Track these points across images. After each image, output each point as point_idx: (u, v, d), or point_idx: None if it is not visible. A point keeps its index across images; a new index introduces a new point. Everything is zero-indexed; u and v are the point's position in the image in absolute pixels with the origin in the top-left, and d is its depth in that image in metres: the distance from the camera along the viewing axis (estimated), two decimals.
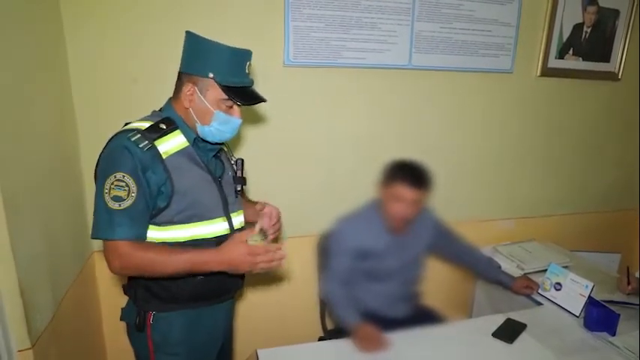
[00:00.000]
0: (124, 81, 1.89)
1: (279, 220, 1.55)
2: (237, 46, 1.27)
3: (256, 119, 2.09)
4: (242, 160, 1.49)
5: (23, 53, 1.43)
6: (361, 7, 2.08)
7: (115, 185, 1.17)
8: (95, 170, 1.27)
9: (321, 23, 2.05)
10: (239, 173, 1.48)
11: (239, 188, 1.45)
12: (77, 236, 1.87)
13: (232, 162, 1.49)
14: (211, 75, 1.24)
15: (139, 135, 1.21)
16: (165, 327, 1.35)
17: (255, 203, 1.60)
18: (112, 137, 1.26)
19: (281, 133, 2.15)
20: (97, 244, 2.01)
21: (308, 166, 2.24)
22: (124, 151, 1.18)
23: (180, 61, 1.31)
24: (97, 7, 1.79)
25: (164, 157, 1.23)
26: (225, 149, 1.52)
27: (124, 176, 1.17)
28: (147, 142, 1.20)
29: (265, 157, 2.15)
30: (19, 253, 1.30)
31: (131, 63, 1.88)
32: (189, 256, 1.22)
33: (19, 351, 1.33)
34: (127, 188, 1.17)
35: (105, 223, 1.19)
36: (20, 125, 1.39)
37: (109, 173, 1.18)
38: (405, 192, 1.71)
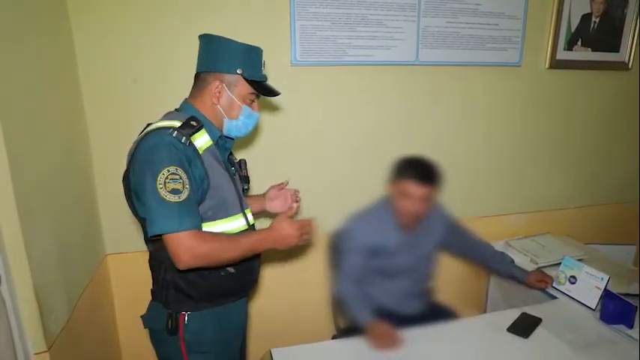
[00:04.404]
0: (131, 81, 1.91)
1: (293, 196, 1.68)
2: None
3: (265, 119, 2.10)
4: (245, 161, 1.56)
5: (34, 54, 1.45)
6: (367, 5, 2.08)
7: (170, 179, 1.17)
8: (127, 172, 1.27)
9: (327, 22, 2.05)
10: (243, 173, 1.53)
11: (246, 187, 1.51)
12: (90, 238, 1.89)
13: (236, 162, 1.52)
14: (239, 71, 1.31)
15: (176, 132, 1.22)
16: (199, 326, 1.36)
17: (257, 195, 1.70)
18: (145, 136, 1.24)
19: (289, 132, 2.16)
20: (111, 246, 2.04)
21: (317, 164, 2.24)
22: (169, 147, 1.19)
23: (197, 62, 1.35)
24: (104, 9, 1.81)
25: (200, 152, 1.26)
26: None
27: (176, 169, 1.18)
28: (185, 137, 1.22)
29: (274, 157, 2.15)
30: (33, 255, 1.32)
31: (137, 63, 1.90)
32: (249, 239, 1.30)
33: (36, 354, 1.35)
34: (181, 180, 1.18)
35: (168, 216, 1.17)
36: (33, 125, 1.41)
37: (159, 169, 1.17)
38: (413, 188, 1.70)
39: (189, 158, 1.22)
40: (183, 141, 1.21)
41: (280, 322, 2.36)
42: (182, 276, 1.31)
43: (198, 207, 1.25)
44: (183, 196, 1.18)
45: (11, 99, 1.27)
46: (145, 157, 1.21)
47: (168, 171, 1.17)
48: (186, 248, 1.18)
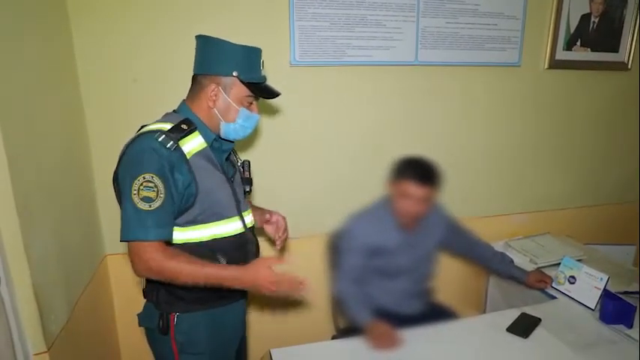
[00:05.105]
0: (131, 81, 1.91)
1: (285, 229, 1.61)
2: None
3: (264, 120, 2.10)
4: (249, 162, 1.53)
5: (34, 54, 1.45)
6: (366, 5, 2.08)
7: (145, 186, 1.16)
8: (116, 173, 1.27)
9: (326, 22, 2.05)
10: (246, 174, 1.50)
11: (248, 189, 1.48)
12: (89, 239, 1.88)
13: (239, 164, 1.51)
14: (235, 73, 1.28)
15: (164, 136, 1.20)
16: (190, 327, 1.35)
17: (261, 209, 1.65)
18: (134, 139, 1.24)
19: (289, 133, 2.16)
20: (110, 247, 2.04)
21: (316, 164, 2.24)
22: (151, 153, 1.18)
23: (194, 64, 1.34)
24: (104, 9, 1.81)
25: (188, 157, 1.24)
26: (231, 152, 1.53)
27: (152, 177, 1.17)
28: (172, 142, 1.20)
29: (273, 158, 2.15)
30: (33, 255, 1.32)
31: (137, 63, 1.90)
32: (217, 270, 1.24)
33: (36, 354, 1.34)
34: (155, 189, 1.17)
35: (135, 224, 1.17)
36: (32, 126, 1.40)
37: (136, 175, 1.17)
38: (413, 189, 1.70)
39: (173, 164, 1.20)
40: (168, 146, 1.19)
41: (279, 322, 2.36)
42: None
43: (172, 217, 1.23)
44: (155, 205, 1.17)
45: (11, 99, 1.27)
46: (127, 161, 1.22)
47: (144, 178, 1.16)
48: (141, 259, 1.18)
